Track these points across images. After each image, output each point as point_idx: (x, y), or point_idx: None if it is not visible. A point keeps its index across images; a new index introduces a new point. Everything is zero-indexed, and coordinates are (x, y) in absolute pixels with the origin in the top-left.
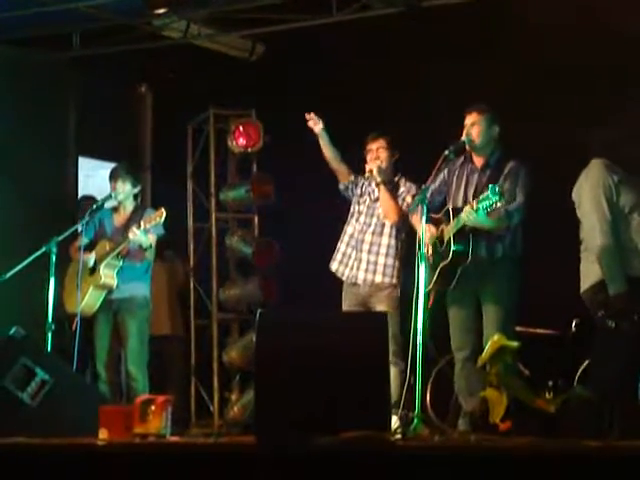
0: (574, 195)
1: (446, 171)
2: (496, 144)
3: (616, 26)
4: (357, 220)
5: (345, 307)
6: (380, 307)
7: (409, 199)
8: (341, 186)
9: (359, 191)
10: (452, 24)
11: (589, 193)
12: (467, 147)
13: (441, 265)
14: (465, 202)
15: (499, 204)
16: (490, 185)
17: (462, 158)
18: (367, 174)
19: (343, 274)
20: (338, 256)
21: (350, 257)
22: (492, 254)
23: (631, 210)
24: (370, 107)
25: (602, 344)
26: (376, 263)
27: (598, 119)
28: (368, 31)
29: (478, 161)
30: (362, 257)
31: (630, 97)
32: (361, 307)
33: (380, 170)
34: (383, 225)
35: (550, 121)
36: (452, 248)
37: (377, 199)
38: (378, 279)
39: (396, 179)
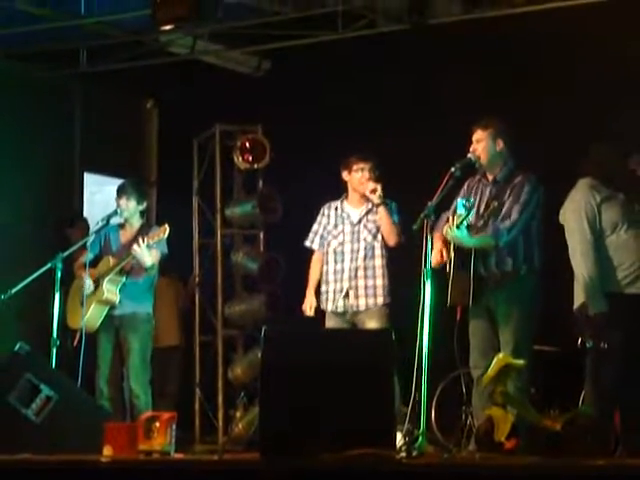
0: (560, 217)
1: (466, 186)
2: (505, 159)
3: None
4: (342, 253)
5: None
6: (371, 323)
7: (395, 218)
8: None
9: (332, 222)
10: (458, 41)
11: (572, 214)
12: (475, 164)
13: (451, 281)
14: (478, 217)
15: (470, 218)
16: (458, 200)
17: (480, 173)
18: (370, 194)
19: (337, 307)
20: (329, 296)
21: (342, 289)
22: (502, 268)
23: (614, 229)
24: (377, 123)
25: (591, 364)
26: (375, 286)
27: (590, 137)
28: (374, 47)
29: (489, 176)
30: (359, 284)
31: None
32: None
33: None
34: (373, 247)
35: (559, 138)
36: (453, 263)
37: (359, 221)
38: (380, 301)
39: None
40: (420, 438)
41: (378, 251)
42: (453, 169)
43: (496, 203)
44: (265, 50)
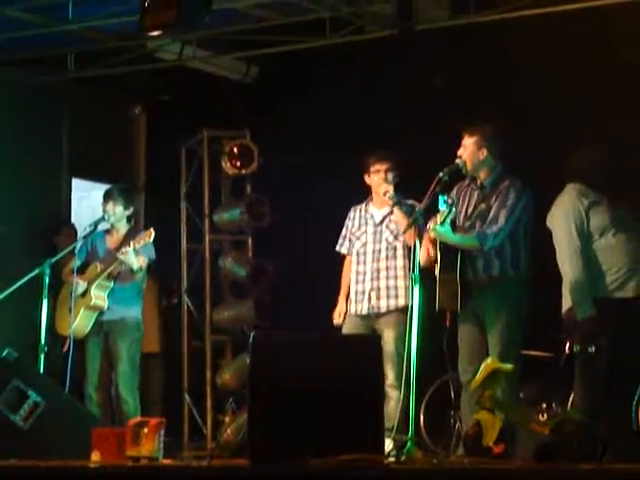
0: (548, 222)
1: (455, 190)
2: (491, 165)
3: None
4: (365, 254)
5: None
6: (389, 331)
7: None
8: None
9: (356, 224)
10: (447, 46)
11: (560, 220)
12: (462, 169)
13: (438, 286)
14: (465, 219)
15: (451, 215)
16: (440, 195)
17: (469, 178)
18: (383, 196)
19: (362, 309)
20: (352, 298)
21: (364, 291)
22: (489, 272)
23: (601, 233)
24: (366, 128)
25: (579, 368)
26: (396, 287)
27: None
28: (363, 52)
29: (477, 181)
30: (380, 285)
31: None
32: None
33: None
34: (395, 248)
35: (548, 142)
36: (440, 266)
37: (381, 221)
38: (401, 302)
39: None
40: (409, 443)
41: (400, 251)
42: (441, 174)
43: (483, 206)
44: (253, 56)
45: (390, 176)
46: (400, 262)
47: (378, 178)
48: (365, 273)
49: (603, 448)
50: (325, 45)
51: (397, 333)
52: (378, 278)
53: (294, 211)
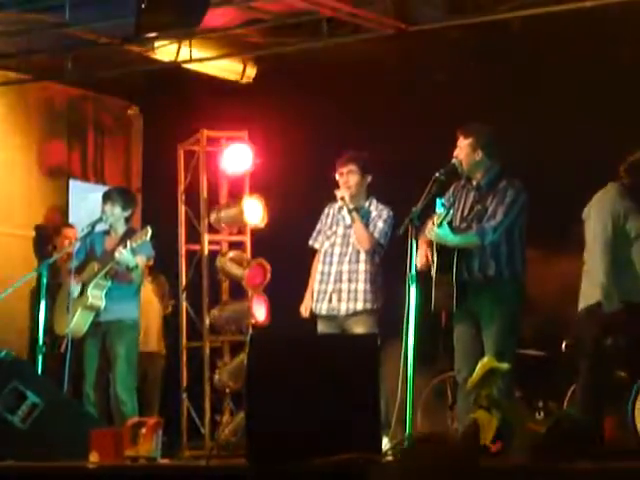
0: (584, 215)
1: (452, 190)
2: (486, 165)
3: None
4: (332, 255)
5: None
6: (359, 330)
7: (380, 224)
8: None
9: (329, 222)
10: (441, 47)
11: (598, 215)
12: (458, 169)
13: (434, 286)
14: (461, 220)
15: (450, 216)
16: (437, 198)
17: (465, 178)
18: (340, 202)
19: (321, 310)
20: (314, 296)
21: (326, 292)
22: (485, 272)
23: (637, 236)
24: (368, 127)
25: (586, 365)
26: (356, 291)
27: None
28: (359, 53)
29: (473, 181)
30: (342, 287)
31: None
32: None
33: (352, 197)
34: (358, 252)
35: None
36: (436, 266)
37: (350, 225)
38: (359, 306)
39: (367, 204)
40: (406, 442)
41: (363, 256)
42: (437, 174)
43: (480, 206)
44: (250, 56)
45: (353, 179)
46: (362, 266)
47: (341, 182)
48: (330, 274)
49: (601, 446)
50: (322, 46)
51: (367, 331)
52: (341, 280)
53: (291, 211)
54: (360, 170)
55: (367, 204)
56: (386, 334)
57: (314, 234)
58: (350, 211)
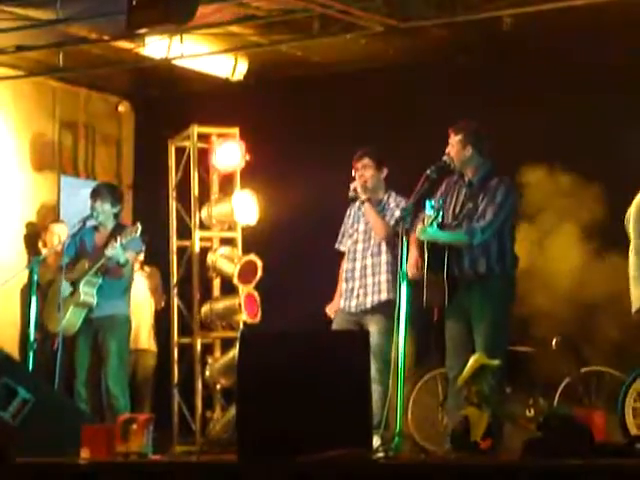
0: (626, 219)
1: (444, 186)
2: (477, 162)
3: None
4: (355, 252)
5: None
6: (373, 326)
7: (398, 213)
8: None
9: (350, 221)
10: (438, 42)
11: (636, 216)
12: (450, 165)
13: (425, 283)
14: (453, 218)
15: (439, 218)
16: (427, 201)
17: (458, 174)
18: (351, 193)
19: (350, 307)
20: (343, 294)
21: (353, 289)
22: (475, 269)
23: None
24: (356, 124)
25: None
26: (380, 282)
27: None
28: (350, 50)
29: (465, 177)
30: (367, 282)
31: None
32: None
33: (364, 188)
34: (379, 245)
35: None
36: (427, 264)
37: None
38: (383, 297)
39: (386, 196)
40: (396, 438)
41: (384, 247)
42: (429, 171)
43: (471, 205)
44: (241, 53)
45: (368, 172)
46: (384, 258)
47: (356, 176)
48: (354, 270)
49: (591, 443)
50: (314, 41)
51: (380, 328)
52: (365, 275)
53: (283, 207)
54: (375, 164)
55: (386, 197)
56: None
57: (339, 237)
58: (362, 201)
